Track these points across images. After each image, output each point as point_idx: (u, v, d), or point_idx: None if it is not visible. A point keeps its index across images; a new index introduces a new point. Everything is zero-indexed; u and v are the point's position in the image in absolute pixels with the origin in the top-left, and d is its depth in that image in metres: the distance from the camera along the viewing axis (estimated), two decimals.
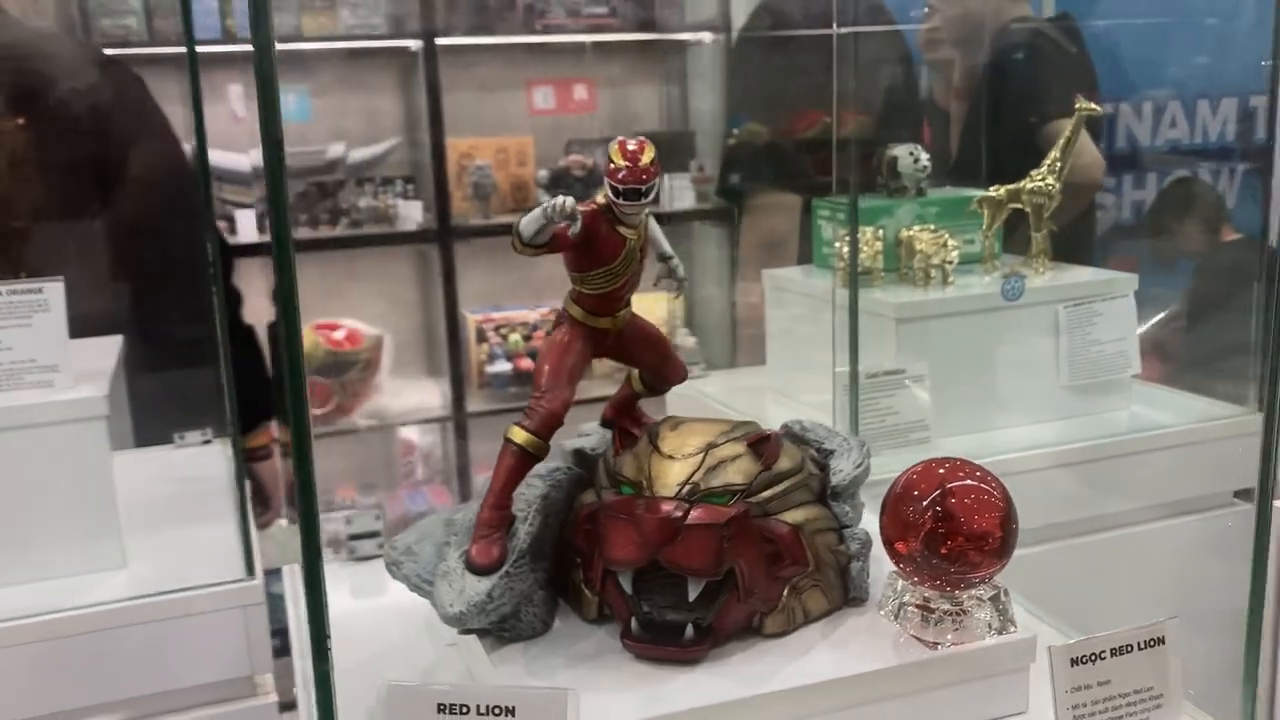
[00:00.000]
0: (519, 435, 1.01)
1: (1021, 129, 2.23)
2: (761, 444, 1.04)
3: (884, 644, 1.02)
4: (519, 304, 3.81)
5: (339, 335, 3.67)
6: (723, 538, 0.96)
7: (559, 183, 3.62)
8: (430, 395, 3.76)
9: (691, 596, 0.98)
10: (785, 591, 1.03)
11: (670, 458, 1.00)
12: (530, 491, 1.06)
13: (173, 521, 1.55)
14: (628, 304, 1.09)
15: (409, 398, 3.76)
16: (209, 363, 1.53)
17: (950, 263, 1.76)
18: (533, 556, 1.02)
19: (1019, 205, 1.84)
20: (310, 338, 3.60)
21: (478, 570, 0.99)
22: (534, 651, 1.02)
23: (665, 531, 0.95)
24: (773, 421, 1.19)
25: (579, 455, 1.15)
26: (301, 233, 3.49)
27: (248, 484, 1.53)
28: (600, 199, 1.02)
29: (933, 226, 1.81)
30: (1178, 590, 1.84)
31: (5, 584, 1.32)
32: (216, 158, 3.44)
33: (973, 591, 1.04)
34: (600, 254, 1.03)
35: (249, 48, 0.72)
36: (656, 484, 0.99)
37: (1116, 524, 1.77)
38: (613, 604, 1.02)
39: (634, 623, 0.99)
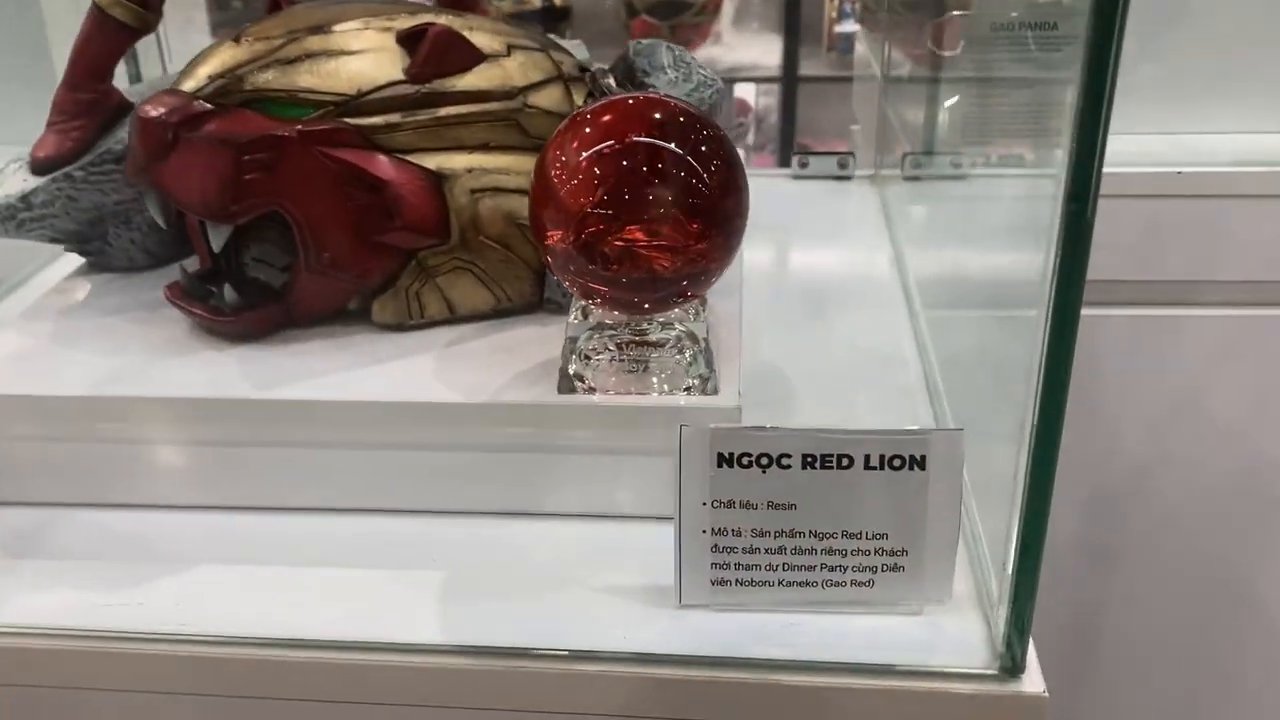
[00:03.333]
0: None
1: None
2: (416, 40, 0.68)
3: (525, 372, 0.67)
4: None
5: None
6: (239, 162, 0.64)
7: None
8: (772, 52, 3.37)
9: (215, 246, 0.68)
10: (405, 267, 0.70)
11: (237, 41, 0.68)
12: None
13: None
14: None
15: (746, 52, 3.41)
16: None
17: None
18: None
19: None
20: None
21: (33, 165, 0.75)
22: (111, 286, 0.78)
23: (148, 141, 0.65)
24: None
25: None
26: None
27: None
28: None
29: None
30: None
31: None
32: None
33: (665, 321, 0.65)
34: None
35: None
36: (185, 76, 0.67)
37: None
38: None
39: (182, 269, 0.72)
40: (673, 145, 0.60)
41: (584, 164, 0.60)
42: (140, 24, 0.73)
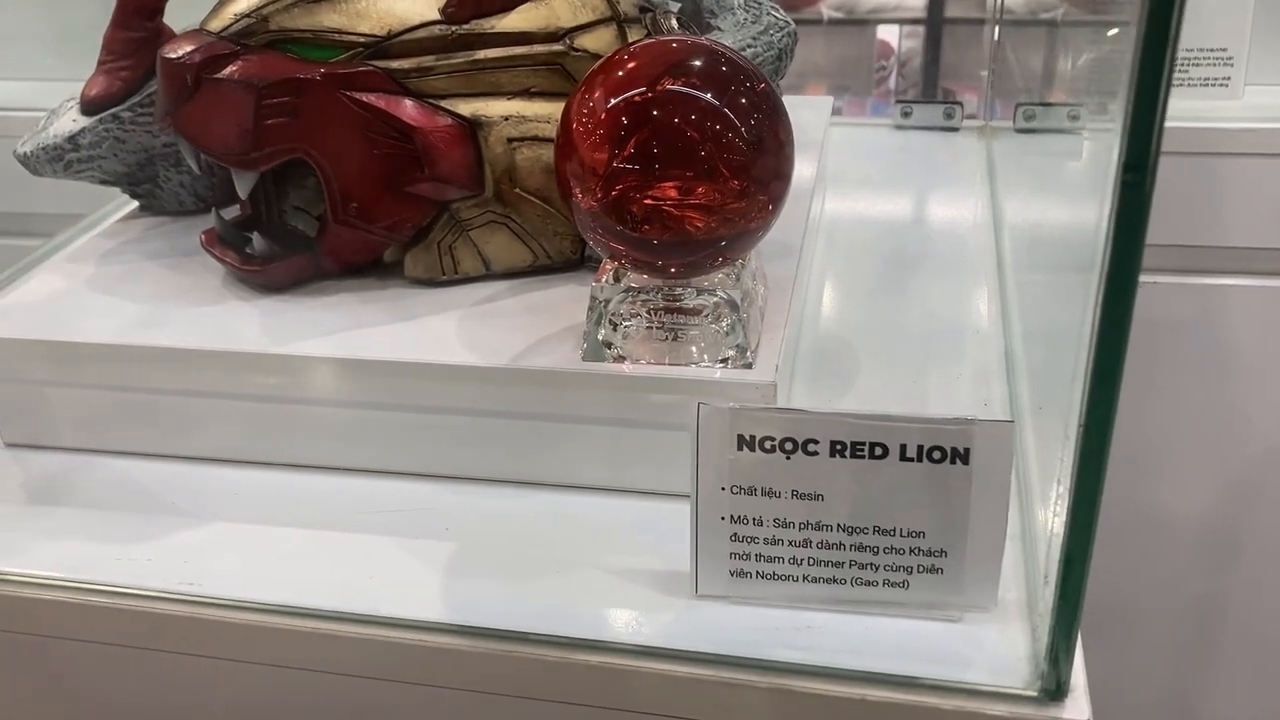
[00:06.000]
0: None
1: None
2: None
3: (554, 335, 0.63)
4: None
5: None
6: (259, 106, 0.61)
7: None
8: None
9: (242, 193, 0.66)
10: (438, 220, 0.66)
11: None
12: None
13: None
14: None
15: None
16: None
17: None
18: None
19: None
20: None
21: (82, 105, 0.74)
22: (159, 230, 0.76)
23: (169, 83, 0.63)
24: None
25: None
26: None
27: None
28: None
29: None
30: None
31: None
32: None
33: (703, 286, 0.60)
34: None
35: None
36: (213, 15, 0.64)
37: None
38: None
39: (217, 213, 0.69)
40: (708, 96, 0.55)
41: (608, 114, 0.55)
42: None
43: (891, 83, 3.38)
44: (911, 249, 0.85)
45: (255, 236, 0.66)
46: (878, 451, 0.51)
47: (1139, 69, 0.37)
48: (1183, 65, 1.05)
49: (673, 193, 0.55)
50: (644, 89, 0.55)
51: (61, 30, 1.32)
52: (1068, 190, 0.65)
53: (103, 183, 0.76)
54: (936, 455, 0.50)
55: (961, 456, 0.50)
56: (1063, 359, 0.57)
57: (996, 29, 1.07)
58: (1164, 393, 1.12)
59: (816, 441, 0.51)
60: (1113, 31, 0.67)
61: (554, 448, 0.61)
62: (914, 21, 3.18)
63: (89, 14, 1.10)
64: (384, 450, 0.63)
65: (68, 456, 0.66)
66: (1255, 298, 1.08)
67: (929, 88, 3.13)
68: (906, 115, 1.04)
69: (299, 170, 0.67)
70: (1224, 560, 1.18)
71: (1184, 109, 1.05)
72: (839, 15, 3.21)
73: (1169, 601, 1.20)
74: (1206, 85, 1.06)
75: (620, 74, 0.56)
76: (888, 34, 3.32)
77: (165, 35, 0.75)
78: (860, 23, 3.24)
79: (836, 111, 1.87)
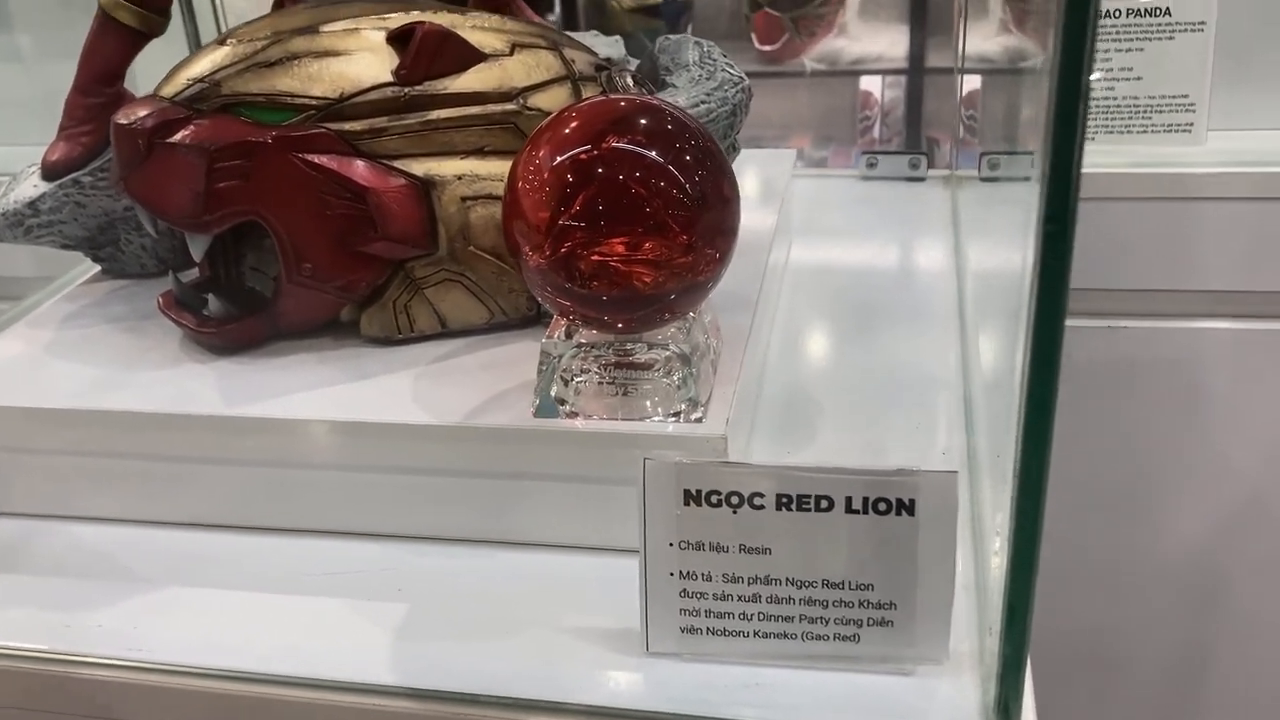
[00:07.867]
0: None
1: None
2: (406, 40, 0.64)
3: (508, 392, 0.63)
4: None
5: None
6: (211, 169, 0.62)
7: None
8: (899, 43, 3.25)
9: (195, 256, 0.66)
10: (393, 279, 0.66)
11: (223, 43, 0.65)
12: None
13: None
14: None
15: (872, 43, 3.29)
16: None
17: None
18: None
19: None
20: None
21: (43, 171, 0.75)
22: (120, 294, 0.76)
23: (122, 149, 0.63)
24: None
25: None
26: None
27: None
28: None
29: None
30: None
31: None
32: None
33: (655, 341, 0.60)
34: None
35: None
36: (167, 81, 0.65)
37: None
38: None
39: (175, 276, 0.70)
40: (653, 152, 0.55)
41: (552, 172, 0.56)
42: (145, 27, 0.72)
43: (875, 132, 3.40)
44: (877, 299, 0.85)
45: (210, 298, 0.67)
46: (823, 504, 0.51)
47: (1054, 120, 0.37)
48: (1145, 112, 1.06)
49: (620, 249, 0.56)
50: (588, 146, 0.56)
51: (44, 95, 1.33)
52: (1009, 238, 0.65)
53: (64, 247, 0.76)
54: (882, 507, 0.50)
55: (907, 508, 0.50)
56: (1006, 406, 0.57)
57: (963, 79, 1.08)
58: (1139, 437, 1.12)
59: (762, 495, 0.51)
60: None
61: (508, 505, 0.61)
62: (895, 72, 3.21)
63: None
64: (337, 510, 0.62)
65: (23, 522, 0.66)
66: (1227, 340, 1.08)
67: (911, 137, 3.15)
68: (872, 166, 1.05)
69: (256, 231, 0.68)
70: (1206, 604, 1.18)
71: (1148, 154, 1.05)
72: (821, 67, 3.24)
73: (1152, 647, 1.19)
74: (1170, 131, 1.07)
75: (565, 131, 0.57)
76: (871, 85, 3.35)
77: (126, 101, 0.75)
78: (843, 74, 3.27)
79: (820, 162, 1.89)
